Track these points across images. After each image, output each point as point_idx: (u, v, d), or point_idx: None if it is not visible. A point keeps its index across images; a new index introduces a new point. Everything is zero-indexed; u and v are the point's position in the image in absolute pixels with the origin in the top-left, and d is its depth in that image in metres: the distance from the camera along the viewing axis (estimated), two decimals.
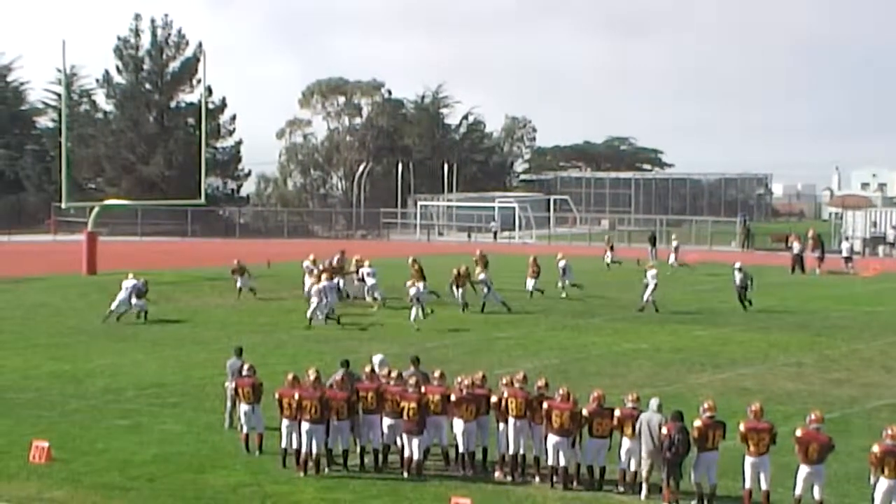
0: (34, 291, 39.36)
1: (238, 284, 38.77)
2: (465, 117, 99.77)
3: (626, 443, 16.91)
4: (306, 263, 38.03)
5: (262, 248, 54.62)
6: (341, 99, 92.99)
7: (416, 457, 17.58)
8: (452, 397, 17.85)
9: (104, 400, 23.05)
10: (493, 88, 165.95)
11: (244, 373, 19.15)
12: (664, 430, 16.29)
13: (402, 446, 17.79)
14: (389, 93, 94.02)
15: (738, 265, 37.21)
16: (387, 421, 17.88)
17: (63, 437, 19.43)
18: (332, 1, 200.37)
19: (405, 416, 17.57)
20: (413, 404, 17.58)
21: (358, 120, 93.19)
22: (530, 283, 39.09)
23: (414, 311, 32.98)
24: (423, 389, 17.91)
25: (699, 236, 67.81)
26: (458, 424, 17.71)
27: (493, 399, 17.87)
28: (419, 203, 79.77)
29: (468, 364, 24.92)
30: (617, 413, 17.01)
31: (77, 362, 27.43)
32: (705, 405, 16.45)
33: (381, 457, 18.01)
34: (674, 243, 51.25)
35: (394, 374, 18.30)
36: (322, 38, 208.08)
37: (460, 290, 36.18)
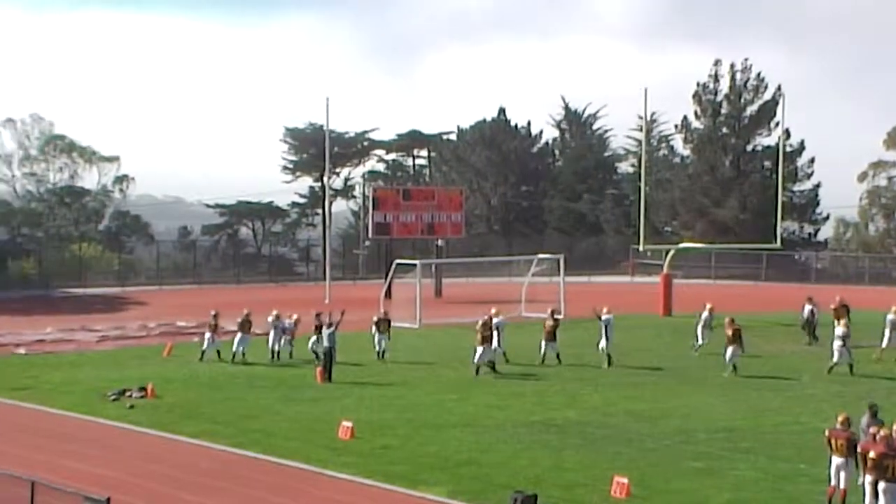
0: (615, 329, 40.87)
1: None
2: None
3: None
4: None
5: (838, 294, 52.72)
6: None
7: None
8: None
9: (678, 440, 23.36)
10: None
11: (838, 426, 18.44)
12: None
13: None
14: None
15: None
16: None
17: (640, 475, 19.91)
18: None
19: None
20: None
21: None
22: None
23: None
24: None
25: None
26: None
27: None
28: None
29: None
30: None
31: (651, 402, 28.09)
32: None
33: None
34: None
35: None
36: None
37: (549, 343, 34.00)
